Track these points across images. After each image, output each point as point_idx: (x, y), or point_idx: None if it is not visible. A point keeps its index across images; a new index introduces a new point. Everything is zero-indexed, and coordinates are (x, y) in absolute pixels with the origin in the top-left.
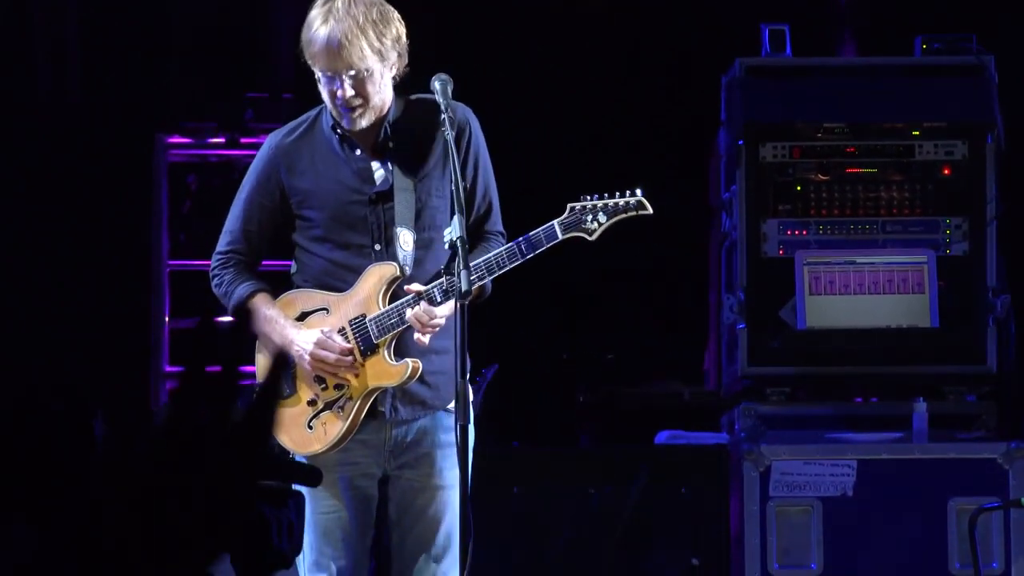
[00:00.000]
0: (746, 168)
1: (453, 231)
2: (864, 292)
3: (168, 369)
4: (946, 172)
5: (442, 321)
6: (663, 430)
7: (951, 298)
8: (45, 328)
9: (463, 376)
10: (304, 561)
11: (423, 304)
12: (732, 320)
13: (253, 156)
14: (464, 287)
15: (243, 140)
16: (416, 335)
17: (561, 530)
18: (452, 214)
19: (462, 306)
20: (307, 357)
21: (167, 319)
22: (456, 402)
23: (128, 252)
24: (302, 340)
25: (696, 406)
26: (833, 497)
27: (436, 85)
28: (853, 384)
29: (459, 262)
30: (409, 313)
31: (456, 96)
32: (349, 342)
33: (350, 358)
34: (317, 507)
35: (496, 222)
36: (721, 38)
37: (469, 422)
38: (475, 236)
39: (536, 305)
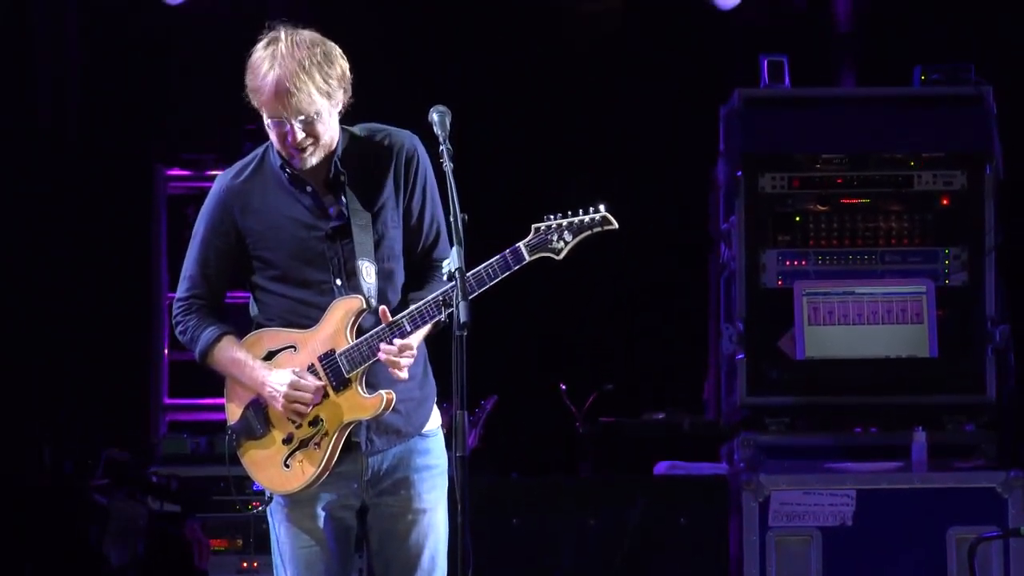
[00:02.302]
0: (745, 199)
1: (452, 262)
2: (863, 322)
3: (167, 401)
4: (945, 202)
5: (415, 351)
6: (662, 460)
7: (950, 328)
8: (44, 358)
9: (461, 407)
10: None
11: (394, 339)
12: (731, 350)
13: None
14: (464, 318)
15: None
16: (393, 370)
17: (560, 561)
18: (451, 244)
19: (460, 338)
20: (280, 400)
21: (166, 351)
22: (454, 433)
23: (127, 284)
24: (274, 381)
25: (695, 436)
26: (832, 527)
27: (434, 116)
28: (852, 414)
29: (457, 293)
30: (383, 352)
31: (454, 121)
32: (320, 379)
33: (323, 396)
34: (298, 541)
35: (444, 249)
36: (720, 68)
37: (466, 453)
38: (424, 266)
39: (534, 335)
